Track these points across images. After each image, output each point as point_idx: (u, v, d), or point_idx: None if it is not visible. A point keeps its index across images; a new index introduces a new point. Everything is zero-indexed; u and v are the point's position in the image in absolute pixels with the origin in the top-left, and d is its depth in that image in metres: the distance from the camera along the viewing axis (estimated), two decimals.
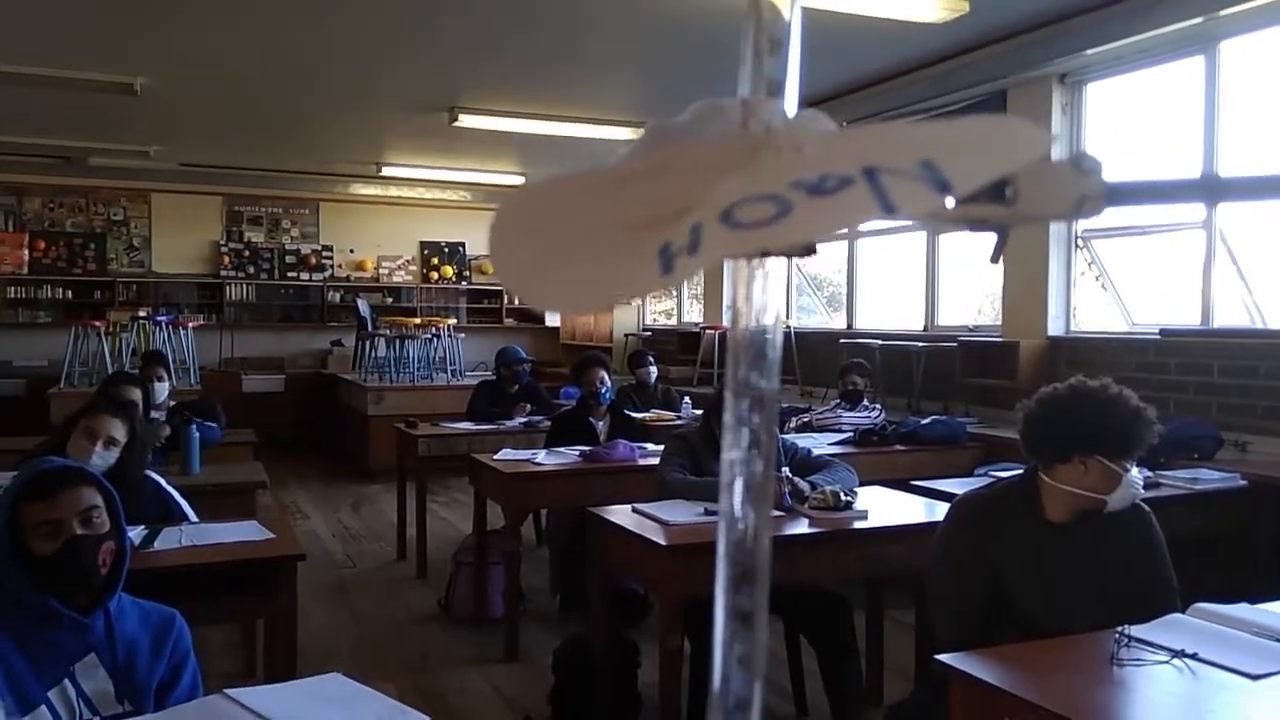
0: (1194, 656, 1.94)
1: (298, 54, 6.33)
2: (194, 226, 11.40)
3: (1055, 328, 5.97)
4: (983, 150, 0.21)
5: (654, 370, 6.92)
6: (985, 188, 0.20)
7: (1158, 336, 5.32)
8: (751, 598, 0.26)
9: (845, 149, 0.22)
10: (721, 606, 0.27)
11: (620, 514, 3.40)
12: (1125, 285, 5.93)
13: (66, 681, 1.85)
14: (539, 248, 0.23)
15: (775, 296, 0.27)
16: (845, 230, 0.21)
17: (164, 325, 9.36)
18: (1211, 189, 0.25)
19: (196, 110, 7.90)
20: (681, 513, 3.31)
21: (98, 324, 8.95)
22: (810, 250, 0.22)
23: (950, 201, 0.19)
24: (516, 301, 12.04)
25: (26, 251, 10.74)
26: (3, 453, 4.84)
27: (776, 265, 0.25)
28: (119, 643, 1.95)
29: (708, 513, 3.42)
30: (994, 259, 0.26)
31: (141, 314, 9.54)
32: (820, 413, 6.08)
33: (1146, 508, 2.49)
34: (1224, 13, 4.77)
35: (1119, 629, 2.02)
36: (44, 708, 1.80)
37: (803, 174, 0.21)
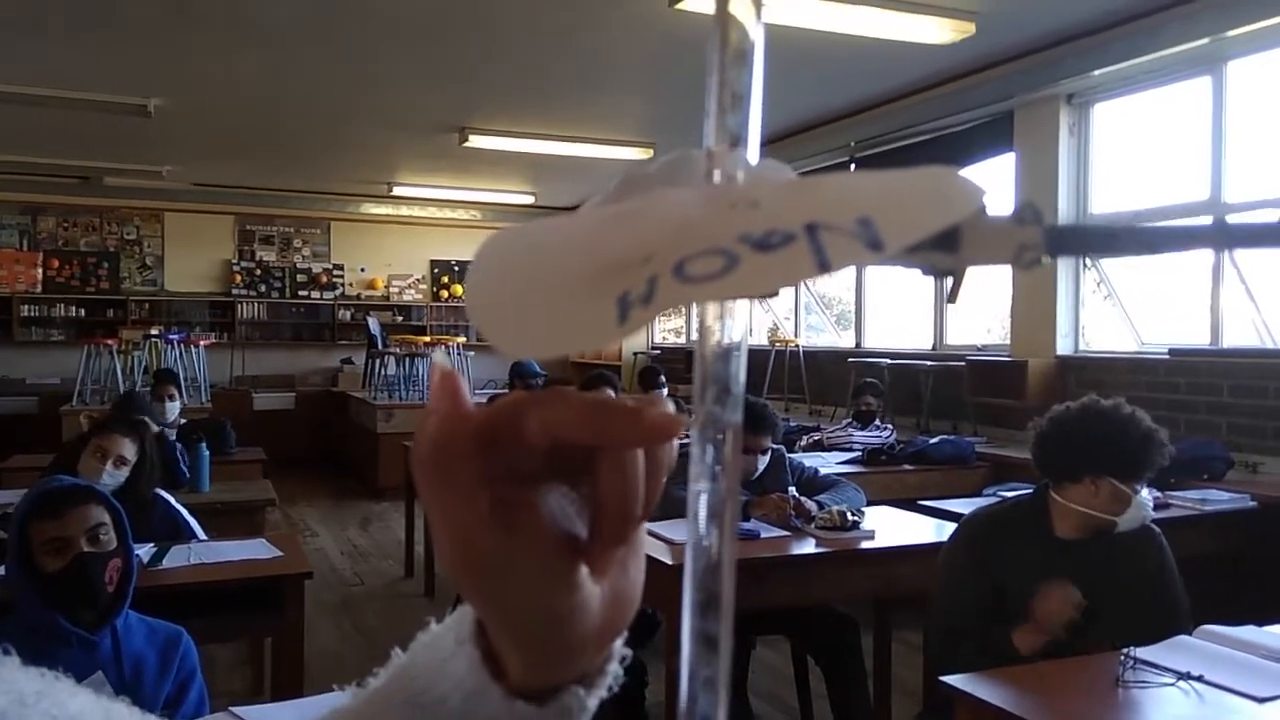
0: (1200, 679, 1.94)
1: (310, 76, 6.39)
2: (206, 245, 11.48)
3: (1064, 347, 5.96)
4: (919, 205, 0.22)
5: (664, 391, 6.94)
6: (926, 239, 0.22)
7: (1167, 356, 5.30)
8: (717, 623, 0.27)
9: (793, 203, 0.23)
10: (688, 631, 0.28)
11: None
12: (1134, 304, 5.92)
13: None
14: (508, 292, 0.25)
15: (740, 330, 0.28)
16: (786, 286, 0.22)
17: (176, 343, 9.41)
18: (1153, 241, 0.26)
19: (209, 131, 7.98)
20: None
21: (110, 342, 9.00)
22: (768, 295, 0.23)
23: (881, 257, 0.21)
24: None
25: (40, 270, 10.83)
26: (16, 470, 4.89)
27: (741, 306, 0.26)
28: (126, 660, 1.96)
29: None
30: (951, 299, 0.27)
31: (153, 332, 9.60)
32: (832, 431, 6.07)
33: (1156, 529, 2.49)
34: (1231, 33, 4.78)
35: (1125, 651, 2.02)
36: None
37: (752, 228, 0.22)
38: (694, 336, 0.28)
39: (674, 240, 0.23)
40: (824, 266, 0.22)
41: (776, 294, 0.25)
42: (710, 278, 0.22)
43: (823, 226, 0.22)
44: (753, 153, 0.26)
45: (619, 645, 0.42)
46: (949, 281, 0.30)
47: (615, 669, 0.43)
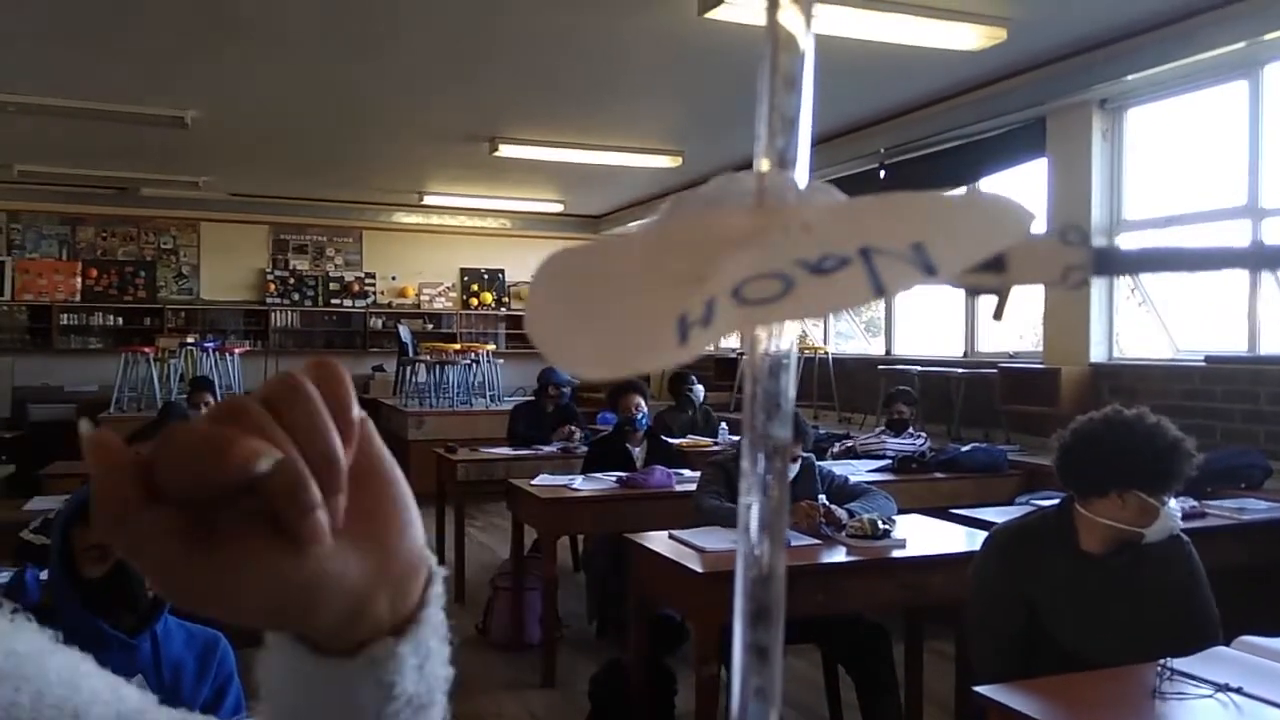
0: (1238, 690, 1.91)
1: (343, 87, 6.47)
2: (241, 255, 11.63)
3: (1097, 354, 5.90)
4: (970, 230, 0.23)
5: (700, 390, 7.00)
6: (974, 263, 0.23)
7: (1203, 363, 5.23)
8: (768, 633, 0.28)
9: (846, 227, 0.24)
10: (740, 641, 0.29)
11: (657, 540, 3.40)
12: (1169, 311, 5.85)
13: None
14: (569, 313, 0.26)
15: (788, 339, 0.29)
16: (842, 309, 0.23)
17: (211, 351, 9.54)
18: (1194, 261, 0.27)
19: (245, 142, 8.09)
20: (718, 540, 3.30)
21: (147, 350, 9.14)
22: (825, 317, 0.24)
23: (934, 281, 0.21)
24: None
25: (79, 279, 11.02)
26: (56, 476, 4.97)
27: (790, 329, 0.27)
28: (165, 664, 1.99)
29: None
30: (996, 318, 0.28)
31: (189, 340, 9.73)
32: (865, 439, 6.04)
33: (1186, 538, 2.45)
34: (1267, 37, 4.72)
35: (1161, 662, 1.99)
36: None
37: (806, 252, 0.23)
38: (723, 343, 0.29)
39: (730, 263, 0.24)
40: (880, 290, 0.23)
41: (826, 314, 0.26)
42: (767, 300, 0.23)
43: (876, 251, 0.23)
44: (802, 176, 0.27)
45: (432, 585, 0.46)
46: (993, 298, 0.30)
47: (432, 612, 0.47)
